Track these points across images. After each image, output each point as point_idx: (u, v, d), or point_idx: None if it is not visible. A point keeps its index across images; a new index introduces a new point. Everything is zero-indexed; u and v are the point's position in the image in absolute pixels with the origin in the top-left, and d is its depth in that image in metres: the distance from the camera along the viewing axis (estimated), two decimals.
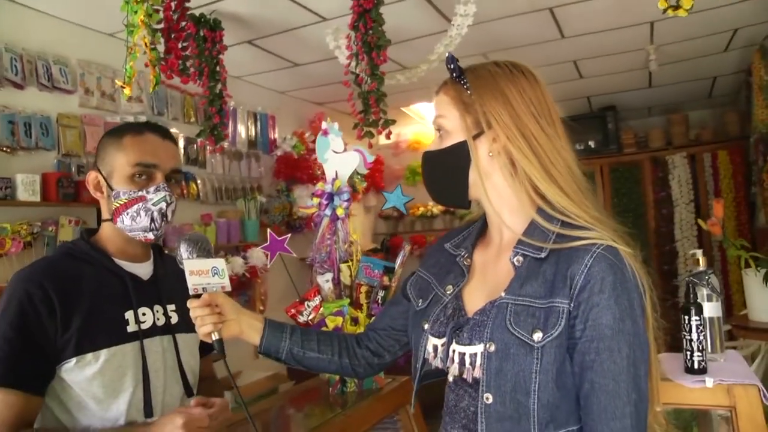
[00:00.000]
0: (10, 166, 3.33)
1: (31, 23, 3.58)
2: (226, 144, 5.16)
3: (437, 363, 1.28)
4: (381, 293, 2.12)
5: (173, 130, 4.64)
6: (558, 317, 1.12)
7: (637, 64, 5.32)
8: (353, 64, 3.35)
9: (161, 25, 3.06)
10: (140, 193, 1.56)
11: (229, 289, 1.41)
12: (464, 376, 1.21)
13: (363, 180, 2.25)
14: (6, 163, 3.33)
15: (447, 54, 1.31)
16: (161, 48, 3.10)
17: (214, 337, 1.36)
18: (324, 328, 2.03)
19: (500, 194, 1.26)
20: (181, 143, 4.73)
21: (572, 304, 1.12)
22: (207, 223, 4.78)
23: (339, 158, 2.21)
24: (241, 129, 5.36)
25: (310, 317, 2.06)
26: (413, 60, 4.40)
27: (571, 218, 1.18)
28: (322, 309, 2.08)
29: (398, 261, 2.18)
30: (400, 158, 7.36)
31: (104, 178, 1.58)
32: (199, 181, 4.86)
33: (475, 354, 1.19)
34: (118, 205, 1.56)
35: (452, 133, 1.29)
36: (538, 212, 1.22)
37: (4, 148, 3.32)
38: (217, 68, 3.85)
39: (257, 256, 4.96)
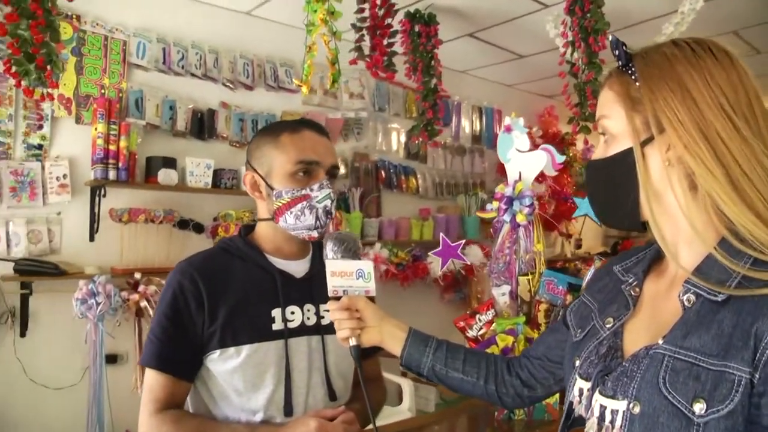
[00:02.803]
0: (237, 159, 3.67)
1: (260, 31, 3.91)
2: (448, 139, 5.13)
3: (581, 410, 1.04)
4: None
5: (394, 125, 4.73)
6: (732, 389, 0.81)
7: None
8: (569, 52, 3.06)
9: (366, 23, 3.09)
10: (304, 192, 1.53)
11: (373, 294, 1.31)
12: None
13: None
14: (234, 156, 3.68)
15: (610, 36, 1.05)
16: (366, 45, 3.14)
17: (351, 342, 1.29)
18: (493, 347, 1.84)
19: (674, 219, 0.96)
20: (402, 138, 4.79)
21: (758, 376, 0.80)
22: (425, 217, 4.79)
23: (523, 158, 1.99)
24: (465, 123, 5.28)
25: (480, 332, 1.89)
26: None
27: None
28: (494, 325, 1.89)
29: (586, 278, 1.90)
30: None
31: (262, 177, 1.58)
32: (419, 176, 4.89)
33: (617, 411, 0.93)
34: (280, 204, 1.54)
35: (618, 137, 1.01)
36: (722, 244, 0.90)
37: (234, 143, 3.67)
38: (432, 63, 3.80)
39: (474, 253, 4.84)
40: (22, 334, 2.96)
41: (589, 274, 1.92)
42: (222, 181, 3.52)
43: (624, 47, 1.01)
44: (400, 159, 4.82)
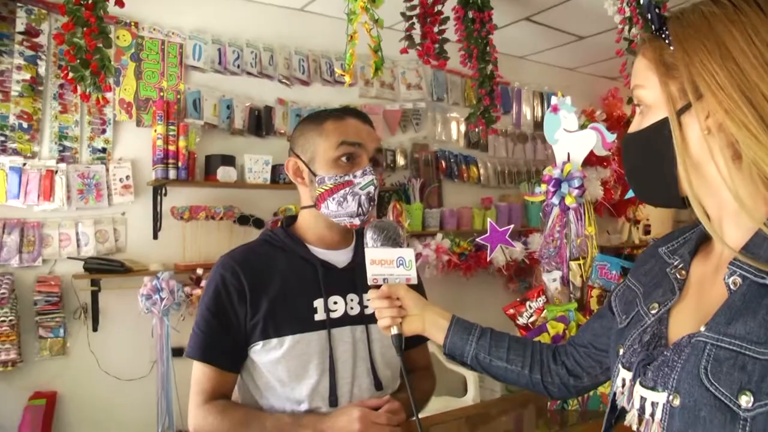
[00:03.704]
0: None
1: (314, 26, 3.94)
2: (510, 126, 5.04)
3: (623, 401, 0.98)
4: None
5: (453, 114, 4.67)
6: None
7: None
8: (626, 29, 2.93)
9: (416, 11, 3.06)
10: (347, 178, 1.51)
11: (414, 281, 1.29)
12: (641, 429, 0.90)
13: None
14: None
15: (642, 1, 0.98)
16: (416, 33, 3.11)
17: (393, 331, 1.27)
18: (543, 335, 1.79)
19: (717, 193, 0.88)
20: (462, 127, 4.73)
21: None
22: (487, 206, 4.72)
23: (571, 138, 1.92)
24: (526, 110, 5.16)
25: (531, 320, 1.84)
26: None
27: None
28: (545, 312, 1.83)
29: None
30: None
31: (305, 164, 1.58)
32: (480, 165, 4.82)
33: (657, 404, 0.86)
34: (322, 190, 1.53)
35: (653, 107, 0.93)
36: None
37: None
38: (487, 49, 3.72)
39: (537, 241, 4.74)
40: (95, 329, 3.11)
41: None
42: (281, 177, 3.57)
43: (657, 9, 0.94)
44: (460, 148, 4.77)
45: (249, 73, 3.64)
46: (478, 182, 4.81)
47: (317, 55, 3.92)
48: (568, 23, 4.28)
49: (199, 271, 3.17)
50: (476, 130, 4.59)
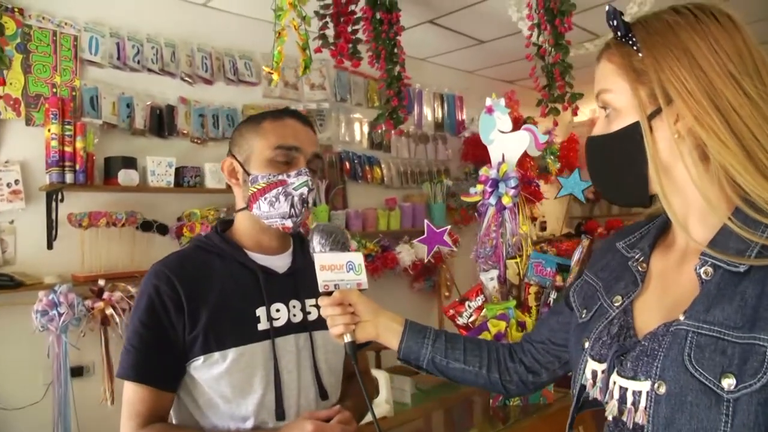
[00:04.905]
0: (199, 156, 3.55)
1: (217, 23, 3.79)
2: (411, 127, 5.09)
3: (595, 393, 0.99)
4: (553, 295, 1.83)
5: (356, 115, 4.65)
6: (763, 362, 0.78)
7: None
8: (535, 34, 3.04)
9: (330, 10, 3.01)
10: (280, 177, 1.43)
11: (365, 286, 1.25)
12: (624, 418, 0.91)
13: (556, 160, 1.97)
14: (196, 153, 3.55)
15: (607, 6, 1.00)
16: (330, 33, 3.06)
17: (346, 339, 1.22)
18: (485, 334, 1.80)
19: (683, 193, 0.93)
20: (365, 128, 4.72)
21: None
22: (391, 207, 4.74)
23: (506, 139, 1.95)
24: (427, 111, 5.24)
25: (471, 319, 1.84)
26: (606, 27, 3.94)
27: None
28: (484, 311, 1.84)
29: (574, 258, 1.87)
30: None
31: (240, 163, 1.49)
32: (383, 165, 4.83)
33: (640, 392, 0.89)
34: (254, 190, 1.44)
35: (622, 111, 0.97)
36: (736, 214, 0.87)
37: (195, 140, 3.55)
38: (395, 50, 3.72)
39: None
40: None
41: (576, 253, 1.89)
42: (185, 180, 3.40)
43: (621, 16, 0.97)
44: (363, 149, 4.76)
45: (150, 70, 3.42)
46: (381, 183, 4.82)
47: (220, 53, 3.76)
48: (470, 27, 4.38)
49: (101, 282, 2.93)
50: (380, 131, 4.60)
